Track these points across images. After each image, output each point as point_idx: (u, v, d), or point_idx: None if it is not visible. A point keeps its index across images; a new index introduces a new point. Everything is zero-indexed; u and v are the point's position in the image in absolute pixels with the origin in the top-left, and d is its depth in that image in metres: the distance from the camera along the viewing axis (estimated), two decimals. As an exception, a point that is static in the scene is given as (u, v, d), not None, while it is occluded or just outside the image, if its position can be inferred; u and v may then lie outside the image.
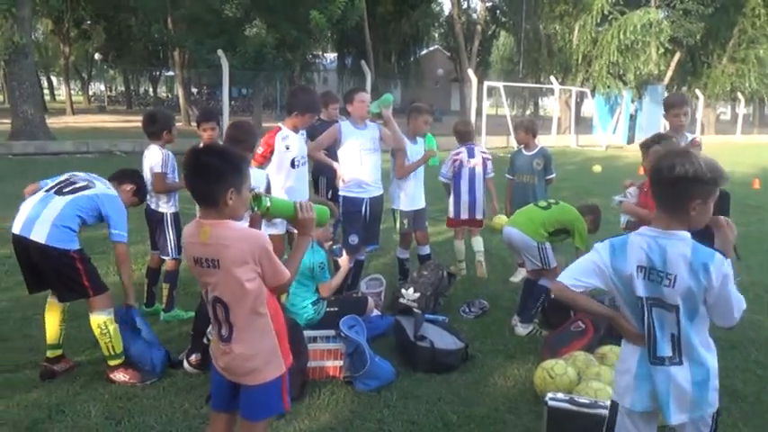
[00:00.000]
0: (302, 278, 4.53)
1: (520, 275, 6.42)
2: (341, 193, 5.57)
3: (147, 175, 4.93)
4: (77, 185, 4.00)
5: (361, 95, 5.50)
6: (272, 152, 5.03)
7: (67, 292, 4.02)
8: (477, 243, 6.68)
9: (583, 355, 4.24)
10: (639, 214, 4.45)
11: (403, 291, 5.48)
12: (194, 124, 5.82)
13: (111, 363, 4.06)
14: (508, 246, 5.40)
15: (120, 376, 4.02)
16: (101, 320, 4.00)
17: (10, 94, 18.97)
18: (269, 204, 2.60)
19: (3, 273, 6.23)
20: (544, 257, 5.10)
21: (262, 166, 4.95)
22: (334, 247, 4.77)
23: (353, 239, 5.45)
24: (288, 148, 5.10)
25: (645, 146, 4.47)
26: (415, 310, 4.92)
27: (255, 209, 2.59)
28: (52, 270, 3.89)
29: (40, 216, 3.83)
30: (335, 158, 5.69)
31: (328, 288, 4.57)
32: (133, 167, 4.68)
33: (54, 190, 3.97)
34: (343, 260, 4.77)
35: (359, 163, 5.46)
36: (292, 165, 5.13)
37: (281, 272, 2.53)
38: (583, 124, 32.13)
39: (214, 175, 2.45)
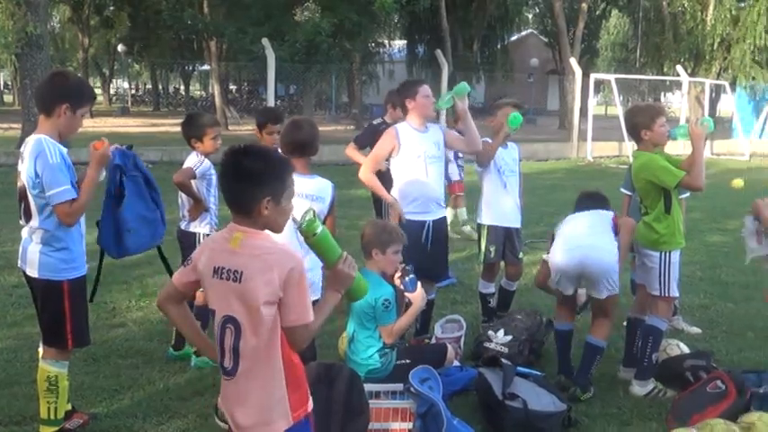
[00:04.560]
0: (364, 319, 4.55)
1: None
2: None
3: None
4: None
5: (425, 89, 5.48)
6: None
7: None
8: None
9: (722, 424, 4.09)
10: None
11: (491, 333, 5.45)
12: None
13: (46, 430, 4.00)
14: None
15: None
16: (52, 373, 3.98)
17: (21, 93, 19.75)
18: (318, 231, 2.68)
19: (9, 305, 6.53)
20: (665, 276, 4.94)
21: None
22: (407, 278, 4.72)
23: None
24: None
25: None
26: (504, 361, 4.86)
27: (302, 225, 2.69)
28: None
29: None
30: (385, 179, 5.62)
31: (390, 332, 4.54)
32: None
33: None
34: (416, 296, 4.72)
35: (424, 174, 5.41)
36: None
37: (305, 311, 2.62)
38: (719, 126, 31.19)
39: (250, 180, 2.62)
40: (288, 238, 3.50)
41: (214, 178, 5.24)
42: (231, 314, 2.66)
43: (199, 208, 5.20)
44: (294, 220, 2.77)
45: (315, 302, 2.74)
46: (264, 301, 2.59)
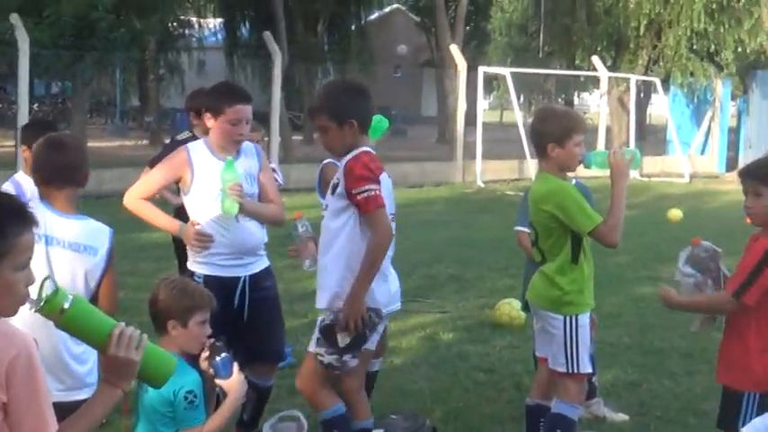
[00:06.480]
0: (158, 422, 4.45)
1: None
2: (196, 269, 5.43)
3: None
4: None
5: (237, 112, 5.30)
6: None
7: None
8: None
9: None
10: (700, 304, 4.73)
11: None
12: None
13: None
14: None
15: None
16: None
17: None
18: (66, 306, 2.59)
19: None
20: (572, 346, 5.05)
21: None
22: (218, 358, 4.67)
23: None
24: None
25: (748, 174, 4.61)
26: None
27: (40, 304, 2.59)
28: None
29: None
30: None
31: (198, 438, 4.49)
32: None
33: None
34: (231, 383, 4.66)
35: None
36: None
37: (42, 420, 2.49)
38: (651, 137, 32.79)
39: None
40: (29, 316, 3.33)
41: None
42: None
43: None
44: (30, 299, 2.64)
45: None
46: None
